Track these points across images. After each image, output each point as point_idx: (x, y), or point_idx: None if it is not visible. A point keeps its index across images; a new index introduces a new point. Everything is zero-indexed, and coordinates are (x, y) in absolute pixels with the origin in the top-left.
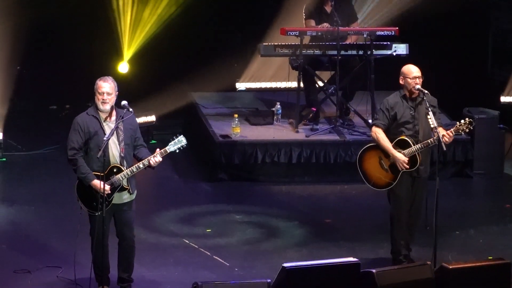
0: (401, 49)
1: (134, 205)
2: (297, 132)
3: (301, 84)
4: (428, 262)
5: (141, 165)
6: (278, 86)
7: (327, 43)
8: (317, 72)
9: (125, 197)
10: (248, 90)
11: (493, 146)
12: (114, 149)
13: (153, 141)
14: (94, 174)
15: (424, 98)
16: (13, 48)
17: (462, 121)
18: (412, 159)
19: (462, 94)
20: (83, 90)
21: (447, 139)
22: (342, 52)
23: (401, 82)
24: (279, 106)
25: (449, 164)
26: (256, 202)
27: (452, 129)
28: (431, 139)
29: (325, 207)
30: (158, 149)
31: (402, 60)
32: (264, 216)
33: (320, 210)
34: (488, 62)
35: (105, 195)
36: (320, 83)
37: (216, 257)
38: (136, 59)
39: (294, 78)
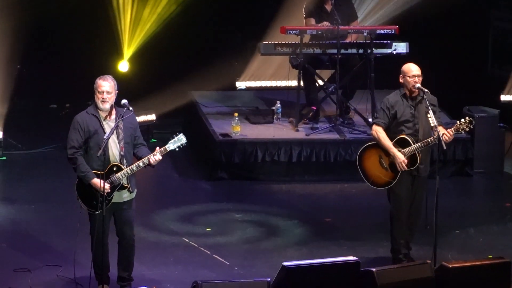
0: (401, 47)
1: (134, 203)
2: (297, 131)
3: (301, 83)
4: (428, 261)
5: (141, 164)
6: (278, 85)
7: (327, 42)
8: (317, 71)
9: (125, 195)
10: (248, 89)
11: (493, 145)
12: (114, 148)
13: (153, 140)
14: (94, 172)
15: (424, 97)
16: (13, 47)
17: (462, 120)
18: (412, 158)
19: (462, 93)
20: (83, 89)
21: (447, 138)
22: (342, 51)
23: (401, 80)
24: (279, 105)
25: (449, 163)
26: (256, 201)
27: (452, 128)
28: (431, 138)
29: (325, 206)
30: (158, 148)
31: (402, 58)
32: (264, 215)
33: (320, 209)
34: (488, 60)
35: (105, 193)
36: (320, 82)
37: (216, 256)
38: (136, 58)
39: (294, 77)
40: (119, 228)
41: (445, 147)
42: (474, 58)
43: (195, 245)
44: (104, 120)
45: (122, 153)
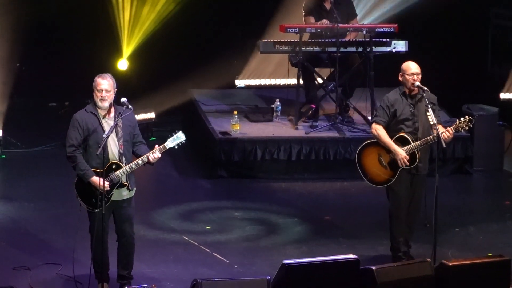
0: (400, 46)
1: (133, 201)
2: (297, 129)
3: (301, 81)
4: (428, 259)
5: (140, 162)
6: (278, 83)
7: (327, 40)
8: (316, 69)
9: (125, 193)
10: (248, 87)
11: (492, 143)
12: (113, 146)
13: (153, 138)
14: (93, 171)
15: (424, 95)
16: (13, 45)
17: (462, 118)
18: (411, 156)
19: (461, 91)
20: (83, 87)
21: (446, 136)
22: (342, 49)
23: (400, 78)
24: (278, 103)
25: (449, 161)
26: (256, 199)
27: (452, 127)
28: (431, 137)
29: (324, 204)
30: (156, 146)
31: (401, 57)
32: (264, 213)
33: (319, 207)
34: (488, 59)
35: (104, 191)
36: (320, 80)
37: (215, 254)
38: (136, 56)
39: (294, 75)
40: (118, 226)
41: (444, 145)
42: (474, 56)
43: (195, 243)
44: (103, 118)
45: (121, 151)
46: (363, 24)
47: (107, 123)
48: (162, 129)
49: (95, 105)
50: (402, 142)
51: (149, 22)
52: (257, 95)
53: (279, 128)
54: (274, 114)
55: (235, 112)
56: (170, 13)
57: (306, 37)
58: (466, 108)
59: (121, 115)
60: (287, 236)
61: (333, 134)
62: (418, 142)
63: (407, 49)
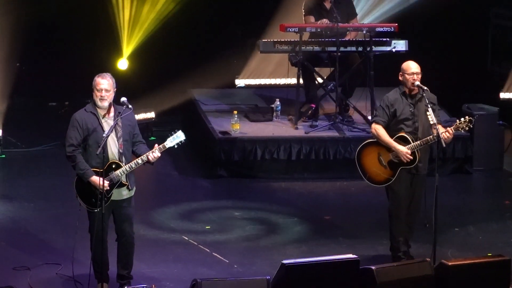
0: (400, 45)
1: (133, 201)
2: (297, 128)
3: (301, 81)
4: (428, 259)
5: (139, 161)
6: (278, 83)
7: (327, 40)
8: (316, 69)
9: (124, 193)
10: (248, 86)
11: (492, 142)
12: (113, 146)
13: (152, 138)
14: (93, 170)
15: (424, 94)
16: (12, 45)
17: (462, 119)
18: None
19: (461, 91)
20: (83, 87)
21: (446, 137)
22: (342, 49)
23: (400, 78)
24: (278, 103)
25: (449, 160)
26: (256, 199)
27: (452, 127)
28: (431, 136)
29: (324, 204)
30: (156, 145)
31: (401, 56)
32: (264, 212)
33: (319, 207)
34: (487, 58)
35: (104, 191)
36: (320, 80)
37: (215, 254)
38: (136, 56)
39: (294, 75)
40: (118, 226)
41: (444, 145)
42: (474, 56)
43: (195, 243)
44: (102, 118)
45: (121, 150)
46: (363, 23)
47: (107, 123)
48: (162, 128)
49: (95, 104)
50: (402, 141)
51: (149, 22)
52: (257, 95)
53: (279, 128)
54: (274, 114)
55: (235, 112)
56: (170, 13)
57: (306, 36)
58: (466, 107)
59: (121, 114)
60: (287, 235)
61: (333, 133)
62: (418, 142)
63: (407, 49)
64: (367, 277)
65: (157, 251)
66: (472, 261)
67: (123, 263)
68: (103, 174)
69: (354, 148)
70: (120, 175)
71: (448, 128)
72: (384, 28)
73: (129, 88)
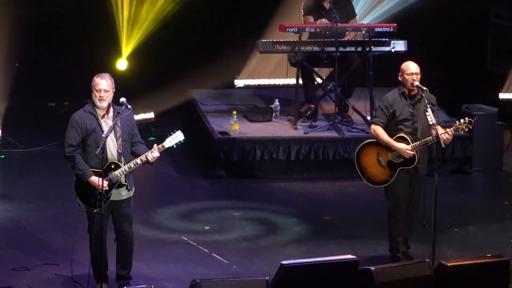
0: (399, 45)
1: (132, 201)
2: (296, 129)
3: (300, 81)
4: (427, 259)
5: (138, 161)
6: (277, 83)
7: (326, 40)
8: (315, 69)
9: (124, 193)
10: (247, 87)
11: (492, 142)
12: (112, 146)
13: (152, 138)
14: (92, 170)
15: (423, 95)
16: (12, 45)
17: (462, 120)
18: (410, 157)
19: (461, 91)
20: (82, 87)
21: (445, 138)
22: (341, 49)
23: (399, 78)
24: (277, 103)
25: (448, 161)
26: (255, 199)
27: (451, 128)
28: (430, 137)
29: (324, 204)
30: (155, 145)
31: (400, 56)
32: (263, 213)
33: (318, 207)
34: (487, 58)
35: (103, 191)
36: (319, 80)
37: (214, 255)
38: (135, 56)
39: (293, 75)
40: (117, 226)
41: (443, 145)
42: (473, 56)
43: (194, 243)
44: (101, 118)
45: (120, 150)
46: (362, 23)
47: (106, 123)
48: (162, 129)
49: (94, 105)
50: (402, 142)
51: (148, 22)
52: (256, 95)
53: (278, 128)
54: (273, 114)
55: (234, 112)
56: (169, 13)
57: (305, 37)
58: (465, 108)
59: (120, 115)
60: (286, 236)
61: (332, 134)
62: (418, 142)
63: (406, 49)
64: (366, 277)
65: (157, 252)
66: (472, 262)
67: (122, 263)
68: (102, 174)
69: (353, 148)
70: (119, 175)
71: (448, 129)
72: (383, 28)
73: (128, 89)
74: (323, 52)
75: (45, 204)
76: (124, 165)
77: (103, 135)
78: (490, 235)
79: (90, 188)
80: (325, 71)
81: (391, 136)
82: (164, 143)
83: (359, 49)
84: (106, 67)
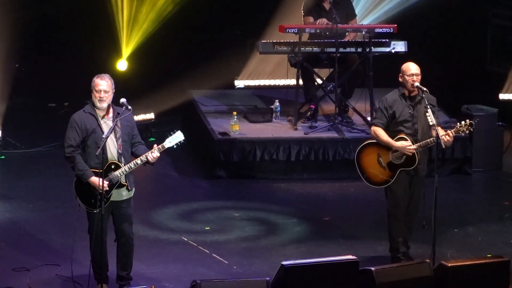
0: (399, 46)
1: (132, 202)
2: (296, 129)
3: (300, 82)
4: (427, 260)
5: (138, 161)
6: (277, 84)
7: (326, 40)
8: (315, 70)
9: (124, 193)
10: (247, 87)
11: (492, 143)
12: (112, 146)
13: (152, 139)
14: (92, 171)
15: (423, 96)
16: (12, 46)
17: (463, 122)
18: (410, 158)
19: (461, 91)
20: (82, 88)
21: (446, 140)
22: (341, 49)
23: (399, 79)
24: (277, 104)
25: (448, 161)
26: (255, 200)
27: (452, 130)
28: (431, 139)
29: (324, 205)
30: (155, 145)
31: (400, 57)
32: (263, 213)
33: (319, 208)
34: (487, 59)
35: (103, 192)
36: (319, 81)
37: (214, 255)
38: (135, 57)
39: (293, 76)
40: (117, 226)
41: (444, 146)
42: (473, 56)
43: (194, 243)
44: (101, 118)
45: (120, 151)
46: (362, 24)
47: (106, 124)
48: (162, 129)
49: (93, 105)
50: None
51: (148, 23)
52: (256, 96)
53: (278, 129)
54: (274, 115)
55: (234, 113)
56: (169, 14)
57: (305, 37)
58: (465, 108)
59: (120, 115)
60: (286, 236)
61: (332, 134)
62: (419, 144)
63: (406, 50)
64: (366, 278)
65: (157, 252)
66: (472, 262)
67: (122, 263)
68: (103, 175)
69: (353, 149)
70: (119, 175)
71: (449, 131)
72: (384, 29)
73: (128, 89)
74: (323, 53)
75: (45, 204)
76: (124, 165)
77: (104, 136)
78: (490, 235)
79: (90, 189)
80: (325, 72)
81: (391, 137)
82: (164, 143)
83: (359, 49)
84: (106, 68)
